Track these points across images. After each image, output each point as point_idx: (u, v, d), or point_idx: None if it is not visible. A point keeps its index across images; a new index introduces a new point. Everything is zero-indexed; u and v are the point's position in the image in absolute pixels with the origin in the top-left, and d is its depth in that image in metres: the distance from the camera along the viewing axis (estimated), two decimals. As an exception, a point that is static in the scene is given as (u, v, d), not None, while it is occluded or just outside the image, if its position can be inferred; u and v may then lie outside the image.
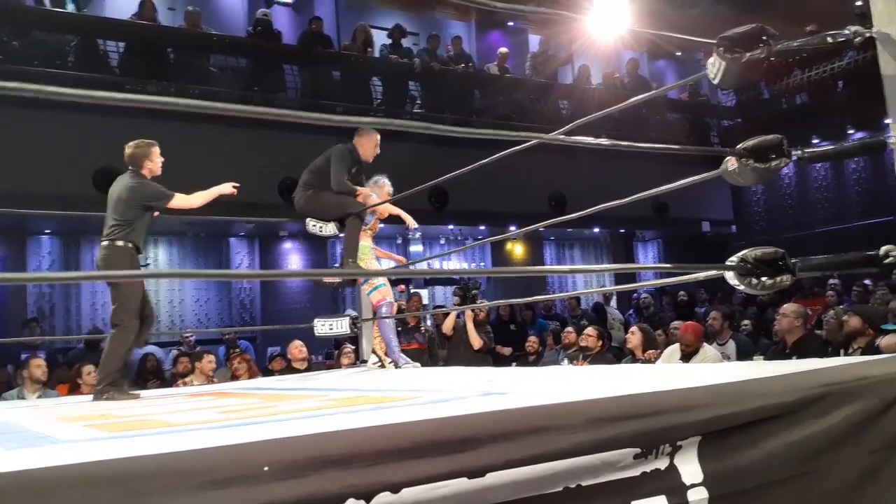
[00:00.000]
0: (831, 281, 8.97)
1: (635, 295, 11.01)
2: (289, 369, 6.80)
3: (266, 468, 1.34)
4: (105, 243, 4.06)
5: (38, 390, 5.75)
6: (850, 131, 12.30)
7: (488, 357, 7.43)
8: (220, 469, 1.32)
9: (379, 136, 5.10)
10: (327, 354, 9.24)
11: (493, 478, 1.54)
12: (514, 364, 7.74)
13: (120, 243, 4.03)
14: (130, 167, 4.23)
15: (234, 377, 6.64)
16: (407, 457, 1.47)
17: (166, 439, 1.84)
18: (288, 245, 11.88)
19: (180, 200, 4.24)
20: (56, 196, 7.97)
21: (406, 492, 1.45)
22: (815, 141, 12.28)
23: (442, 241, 13.35)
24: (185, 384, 6.35)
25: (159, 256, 11.27)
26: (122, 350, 4.08)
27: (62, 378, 6.94)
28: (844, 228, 12.75)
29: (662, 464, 1.78)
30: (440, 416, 1.62)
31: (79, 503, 1.23)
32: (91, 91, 1.71)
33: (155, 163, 4.27)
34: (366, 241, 5.18)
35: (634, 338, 6.39)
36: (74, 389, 6.19)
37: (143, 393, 5.03)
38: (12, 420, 2.97)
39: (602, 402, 1.78)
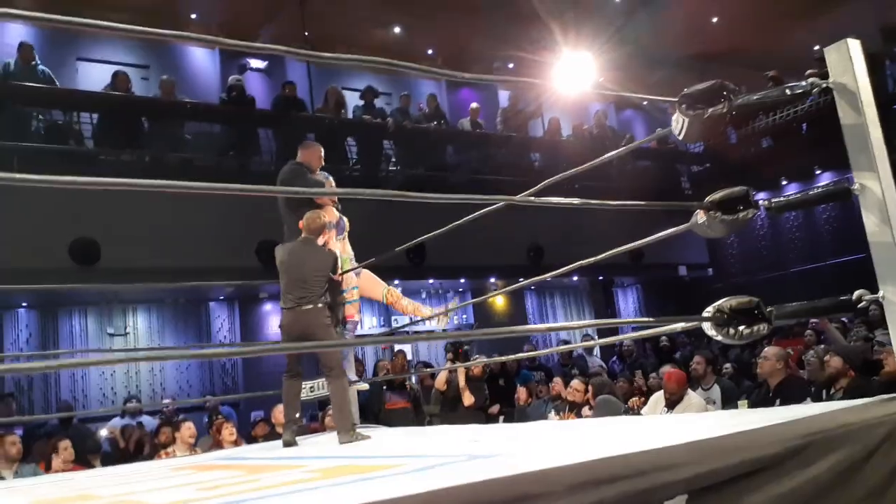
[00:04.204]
0: (811, 320, 9.03)
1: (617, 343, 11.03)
2: (272, 434, 6.69)
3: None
4: (309, 307, 4.26)
5: (13, 467, 5.68)
6: (818, 171, 12.61)
7: (481, 413, 7.31)
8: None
9: (322, 149, 5.14)
10: (311, 417, 9.10)
11: (480, 549, 1.53)
12: (502, 417, 7.67)
13: (321, 305, 4.28)
14: (308, 236, 4.45)
15: (218, 445, 6.52)
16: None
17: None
18: (268, 307, 11.75)
19: None
20: (32, 270, 7.89)
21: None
22: (784, 182, 12.56)
23: (423, 296, 13.33)
24: (166, 455, 6.23)
25: (138, 324, 11.13)
26: (347, 394, 4.37)
27: (42, 453, 6.78)
28: (818, 267, 12.92)
29: (651, 525, 1.77)
30: (424, 491, 1.60)
31: None
32: (70, 177, 1.74)
33: (325, 236, 4.60)
34: (346, 254, 5.11)
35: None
36: (49, 466, 6.05)
37: (124, 468, 4.94)
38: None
39: (586, 466, 1.77)
